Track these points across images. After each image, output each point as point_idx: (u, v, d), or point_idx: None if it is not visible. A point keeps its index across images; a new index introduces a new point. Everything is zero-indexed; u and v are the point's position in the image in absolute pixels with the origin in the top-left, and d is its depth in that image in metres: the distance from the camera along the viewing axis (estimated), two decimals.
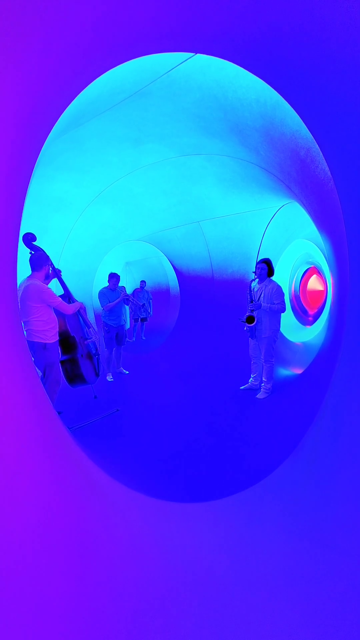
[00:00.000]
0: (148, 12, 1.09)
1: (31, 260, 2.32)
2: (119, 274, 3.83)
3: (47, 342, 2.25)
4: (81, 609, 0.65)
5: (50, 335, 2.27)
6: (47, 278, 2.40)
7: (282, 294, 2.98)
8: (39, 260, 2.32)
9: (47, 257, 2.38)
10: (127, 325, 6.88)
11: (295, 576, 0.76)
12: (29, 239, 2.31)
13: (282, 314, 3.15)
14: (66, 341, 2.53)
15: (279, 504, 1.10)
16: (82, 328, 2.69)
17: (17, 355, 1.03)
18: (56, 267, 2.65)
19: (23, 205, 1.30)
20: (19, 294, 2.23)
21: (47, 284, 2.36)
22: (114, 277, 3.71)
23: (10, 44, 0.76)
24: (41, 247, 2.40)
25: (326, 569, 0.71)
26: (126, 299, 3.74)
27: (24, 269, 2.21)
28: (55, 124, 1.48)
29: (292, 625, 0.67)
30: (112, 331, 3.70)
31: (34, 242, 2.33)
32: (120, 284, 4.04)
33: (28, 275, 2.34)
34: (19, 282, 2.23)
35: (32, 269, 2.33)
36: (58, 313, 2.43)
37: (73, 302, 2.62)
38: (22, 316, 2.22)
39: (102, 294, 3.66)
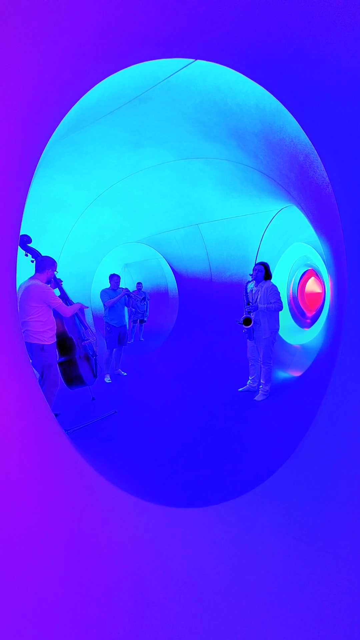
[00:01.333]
0: (148, 18, 1.10)
1: (37, 262, 2.37)
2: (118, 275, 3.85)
3: (45, 343, 2.25)
4: (78, 613, 0.65)
5: (47, 337, 2.27)
6: (49, 283, 2.43)
7: (278, 293, 3.00)
8: (44, 263, 2.38)
9: (54, 262, 2.43)
10: (127, 327, 6.86)
11: (294, 581, 0.76)
12: (24, 240, 2.32)
13: (280, 317, 3.16)
14: (64, 342, 2.52)
15: (277, 508, 1.10)
16: (79, 329, 2.69)
17: (15, 357, 1.03)
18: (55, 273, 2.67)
19: (24, 207, 1.30)
20: (20, 293, 2.26)
21: None
22: (114, 277, 3.73)
23: (13, 51, 0.77)
24: (36, 248, 2.41)
25: (325, 573, 0.71)
26: (128, 295, 3.76)
27: (22, 272, 2.21)
28: (57, 128, 1.49)
29: (291, 630, 0.67)
30: (114, 332, 3.71)
31: (29, 244, 2.33)
32: (120, 285, 4.05)
33: (29, 276, 2.36)
34: (18, 283, 2.23)
35: (36, 270, 2.38)
36: (56, 314, 2.44)
37: (71, 305, 2.63)
38: (21, 316, 2.22)
39: (104, 293, 3.68)
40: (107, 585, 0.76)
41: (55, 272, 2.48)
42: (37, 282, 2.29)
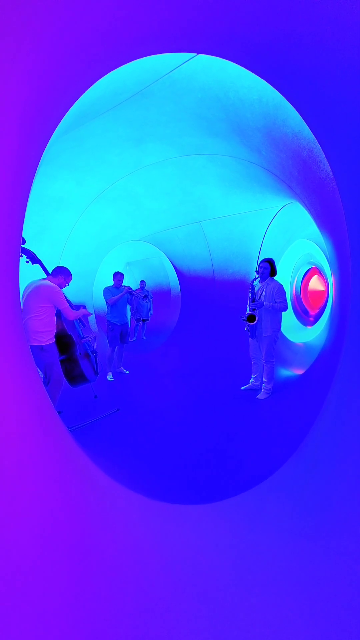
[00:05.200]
0: (150, 13, 1.09)
1: (56, 268, 2.49)
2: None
3: (44, 344, 2.27)
4: (81, 610, 0.65)
5: (47, 338, 2.29)
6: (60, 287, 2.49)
7: (284, 293, 2.98)
8: (61, 269, 2.48)
9: (69, 273, 2.54)
10: (129, 325, 6.87)
11: (297, 578, 0.76)
12: None
13: (283, 314, 3.14)
14: (62, 340, 2.53)
15: (280, 505, 1.10)
16: (77, 327, 2.70)
17: (18, 356, 1.03)
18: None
19: (26, 206, 1.30)
20: (27, 292, 2.28)
21: None
22: (118, 275, 3.74)
23: (15, 48, 0.76)
24: (31, 249, 2.42)
25: (328, 571, 0.70)
26: (130, 293, 3.76)
27: (25, 274, 2.21)
28: (58, 125, 1.48)
29: (294, 628, 0.67)
30: (116, 330, 3.71)
31: (22, 245, 2.33)
32: (123, 284, 4.06)
33: (40, 277, 2.43)
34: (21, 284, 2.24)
35: (50, 274, 2.46)
36: (57, 315, 2.45)
37: (76, 309, 2.65)
38: (24, 314, 2.24)
39: (107, 291, 3.69)
40: (110, 582, 0.77)
41: (67, 283, 2.54)
42: (49, 282, 2.34)
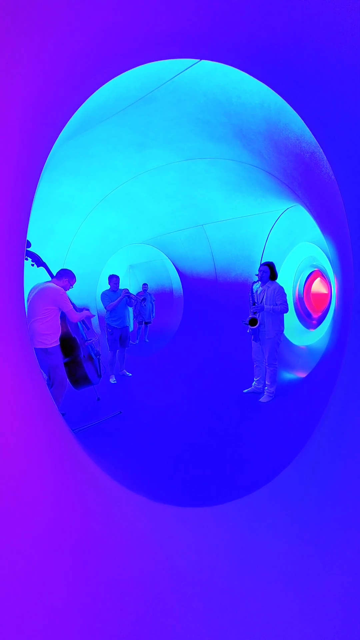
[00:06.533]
0: (153, 19, 1.11)
1: (60, 270, 2.51)
2: (120, 276, 3.83)
3: (48, 346, 2.28)
4: (82, 611, 0.65)
5: (51, 341, 2.30)
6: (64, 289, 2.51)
7: (284, 295, 2.98)
8: (64, 272, 2.50)
9: (73, 275, 2.56)
10: (131, 328, 6.90)
11: (299, 582, 0.75)
12: None
13: (285, 317, 3.14)
14: (67, 342, 2.55)
15: (282, 509, 1.09)
16: (81, 330, 2.72)
17: (23, 359, 1.04)
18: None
19: (30, 210, 1.32)
20: (32, 294, 2.30)
21: None
22: (113, 278, 3.74)
23: (19, 54, 0.78)
24: (37, 253, 2.45)
25: (330, 574, 0.70)
26: (128, 296, 3.76)
27: (30, 277, 2.24)
28: (62, 130, 1.51)
29: (294, 630, 0.66)
30: (115, 333, 3.72)
31: (28, 249, 2.35)
32: (123, 286, 4.05)
33: (44, 281, 2.45)
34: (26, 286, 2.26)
35: (54, 277, 2.49)
36: (61, 316, 2.47)
37: (79, 311, 2.66)
38: (29, 317, 2.26)
39: (104, 296, 3.69)
40: (112, 584, 0.77)
41: (71, 286, 2.56)
42: (53, 285, 2.36)
